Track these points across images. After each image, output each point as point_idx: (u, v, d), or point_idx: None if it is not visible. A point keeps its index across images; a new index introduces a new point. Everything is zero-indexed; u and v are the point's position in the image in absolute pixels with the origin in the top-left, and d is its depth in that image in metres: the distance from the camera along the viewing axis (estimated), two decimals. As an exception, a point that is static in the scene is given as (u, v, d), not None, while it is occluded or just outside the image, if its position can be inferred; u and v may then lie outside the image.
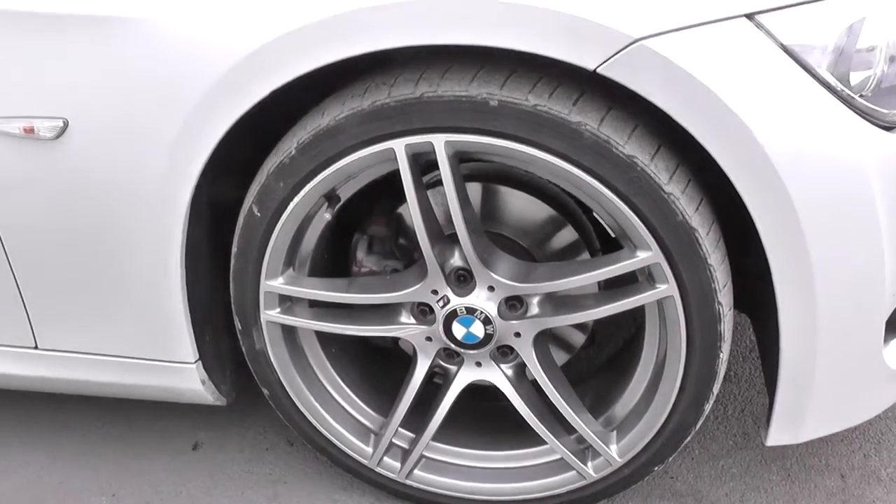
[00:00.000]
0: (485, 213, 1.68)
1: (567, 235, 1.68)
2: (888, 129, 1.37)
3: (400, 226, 1.72)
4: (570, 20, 1.28)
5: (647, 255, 1.42)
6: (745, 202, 1.35)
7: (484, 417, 1.79)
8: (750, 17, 1.30)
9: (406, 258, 1.72)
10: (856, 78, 1.36)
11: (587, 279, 1.49)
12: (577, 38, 1.29)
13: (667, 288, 1.45)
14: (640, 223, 1.40)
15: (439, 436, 1.73)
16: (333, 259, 1.74)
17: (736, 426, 1.94)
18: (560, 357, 1.80)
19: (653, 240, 1.41)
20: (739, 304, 1.62)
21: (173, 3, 1.41)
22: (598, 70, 1.30)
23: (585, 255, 1.69)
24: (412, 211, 1.49)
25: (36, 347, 1.79)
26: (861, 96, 1.36)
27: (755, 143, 1.30)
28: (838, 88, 1.33)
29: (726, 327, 1.48)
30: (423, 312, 1.61)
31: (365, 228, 1.72)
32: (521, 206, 1.66)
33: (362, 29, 1.34)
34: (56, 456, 2.00)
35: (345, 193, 1.57)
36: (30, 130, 1.51)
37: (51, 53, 1.46)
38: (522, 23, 1.30)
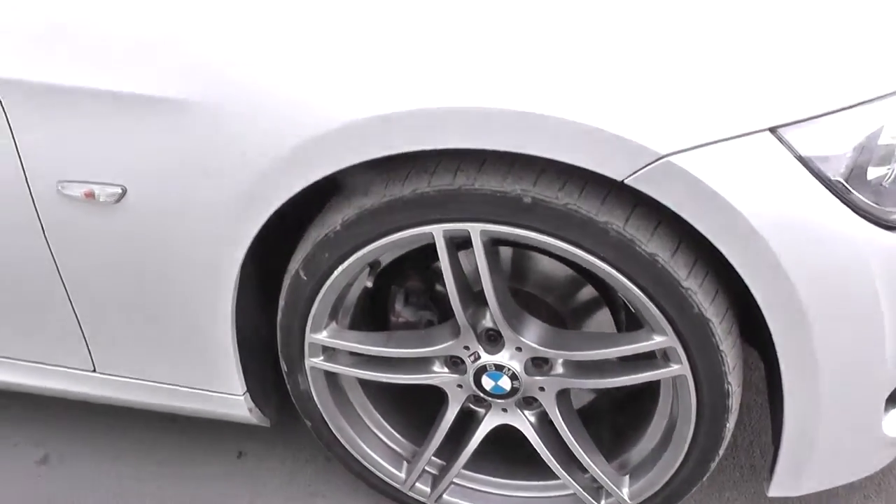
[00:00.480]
0: (513, 272, 1.79)
1: (591, 293, 1.79)
2: (892, 228, 1.45)
3: (435, 277, 1.83)
4: (601, 135, 1.36)
5: (662, 339, 1.54)
6: (757, 300, 1.46)
7: (509, 448, 1.93)
8: (773, 130, 1.38)
9: (441, 308, 1.84)
10: (873, 174, 1.45)
11: (606, 354, 1.62)
12: (607, 152, 1.38)
13: (680, 368, 1.56)
14: (659, 313, 1.51)
15: (467, 463, 1.88)
16: (373, 304, 1.87)
17: (744, 458, 2.07)
18: (586, 397, 1.93)
19: (669, 328, 1.52)
20: (752, 340, 1.73)
21: (231, 90, 1.50)
22: (626, 181, 1.39)
23: (607, 313, 1.80)
24: (447, 284, 1.60)
25: (94, 371, 1.94)
26: (882, 185, 1.44)
27: (770, 252, 1.40)
28: (848, 195, 1.41)
29: (734, 402, 1.60)
30: (454, 363, 1.74)
31: (402, 282, 1.83)
32: (548, 268, 1.77)
33: (415, 130, 1.43)
34: (104, 457, 2.18)
35: (385, 259, 1.69)
36: (90, 195, 1.63)
37: (112, 126, 1.57)
38: (555, 134, 1.39)
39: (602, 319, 1.81)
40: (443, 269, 1.58)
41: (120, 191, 1.62)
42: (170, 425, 2.22)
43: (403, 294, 1.83)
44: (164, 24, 1.52)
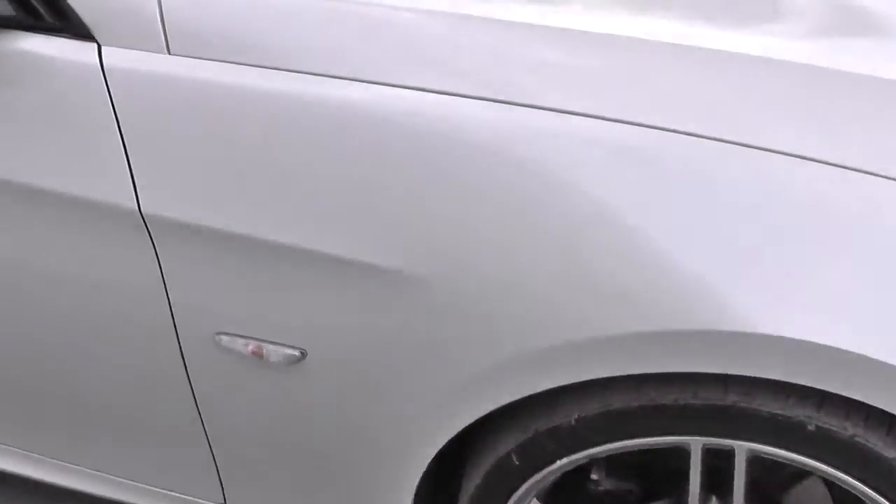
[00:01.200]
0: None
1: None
2: None
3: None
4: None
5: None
6: None
7: None
8: None
9: (645, 477, 1.67)
10: None
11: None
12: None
13: None
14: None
15: None
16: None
17: None
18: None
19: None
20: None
21: (471, 268, 1.32)
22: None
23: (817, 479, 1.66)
24: (691, 487, 1.46)
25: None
26: None
27: None
28: None
29: None
30: (661, 546, 1.61)
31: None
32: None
33: (695, 354, 1.28)
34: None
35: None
36: (258, 353, 1.45)
37: (296, 283, 1.39)
38: (881, 377, 1.24)
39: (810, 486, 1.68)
40: (691, 476, 1.43)
41: (298, 354, 1.43)
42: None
43: (604, 461, 1.67)
44: (388, 190, 1.34)
